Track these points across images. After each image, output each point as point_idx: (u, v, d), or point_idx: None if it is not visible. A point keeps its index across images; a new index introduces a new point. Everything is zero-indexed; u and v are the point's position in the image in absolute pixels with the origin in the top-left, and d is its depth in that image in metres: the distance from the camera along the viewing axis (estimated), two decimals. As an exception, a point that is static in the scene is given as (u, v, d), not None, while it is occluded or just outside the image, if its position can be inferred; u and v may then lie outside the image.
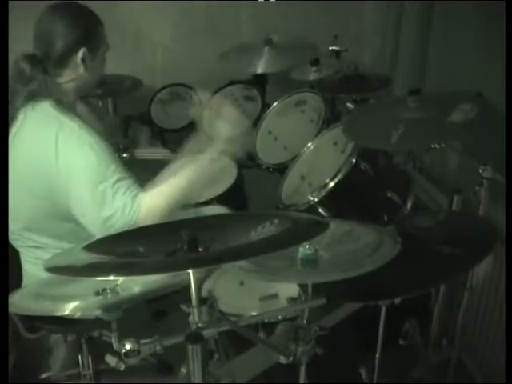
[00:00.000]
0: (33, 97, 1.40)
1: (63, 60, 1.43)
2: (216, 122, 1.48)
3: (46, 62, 1.42)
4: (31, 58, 1.41)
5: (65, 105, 1.43)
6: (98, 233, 1.32)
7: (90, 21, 1.46)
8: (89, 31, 1.44)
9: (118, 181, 1.34)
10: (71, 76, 1.45)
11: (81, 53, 1.42)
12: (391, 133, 1.49)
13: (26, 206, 1.44)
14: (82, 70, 1.45)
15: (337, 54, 2.50)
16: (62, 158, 1.34)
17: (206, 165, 1.44)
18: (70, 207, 1.37)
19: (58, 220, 1.44)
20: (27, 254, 1.56)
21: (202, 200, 1.93)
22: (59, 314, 1.06)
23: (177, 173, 1.41)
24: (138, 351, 0.98)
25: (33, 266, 1.54)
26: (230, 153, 1.51)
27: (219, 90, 2.47)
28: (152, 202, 1.35)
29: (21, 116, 1.41)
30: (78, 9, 1.46)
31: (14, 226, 1.46)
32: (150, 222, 1.31)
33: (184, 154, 1.49)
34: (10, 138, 1.41)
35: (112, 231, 1.29)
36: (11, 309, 1.11)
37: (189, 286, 0.99)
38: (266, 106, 2.37)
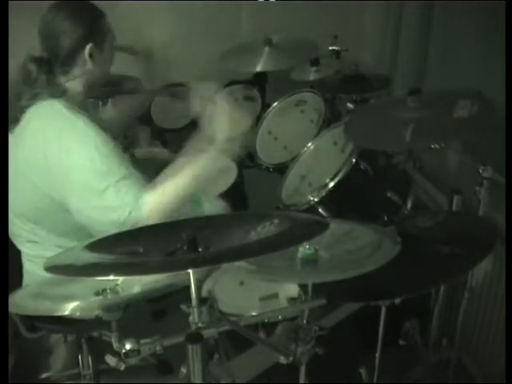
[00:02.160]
0: (39, 97, 1.40)
1: (71, 58, 1.43)
2: (216, 122, 1.49)
3: (54, 61, 1.43)
4: (39, 60, 1.42)
5: (73, 103, 1.44)
6: (98, 231, 1.32)
7: (94, 15, 1.46)
8: (93, 26, 1.44)
9: (121, 179, 1.34)
10: (79, 73, 1.45)
11: (88, 49, 1.43)
12: (399, 133, 1.49)
13: (27, 198, 1.44)
14: (90, 65, 1.45)
15: (337, 53, 2.50)
16: (65, 153, 1.34)
17: (207, 163, 1.45)
18: (69, 202, 1.36)
19: (58, 214, 1.43)
20: (27, 252, 1.56)
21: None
22: (59, 313, 1.06)
23: (178, 172, 1.41)
24: (138, 351, 0.98)
25: (33, 264, 1.55)
26: (229, 152, 1.51)
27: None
28: (155, 201, 1.35)
29: (26, 115, 1.41)
30: (79, 5, 1.46)
31: (16, 218, 1.48)
32: (152, 221, 1.31)
33: (185, 153, 1.49)
34: (15, 135, 1.42)
35: (113, 230, 1.28)
36: (11, 308, 1.11)
37: (189, 286, 0.99)
38: (265, 105, 2.37)
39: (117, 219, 1.32)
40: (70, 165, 1.34)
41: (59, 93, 1.42)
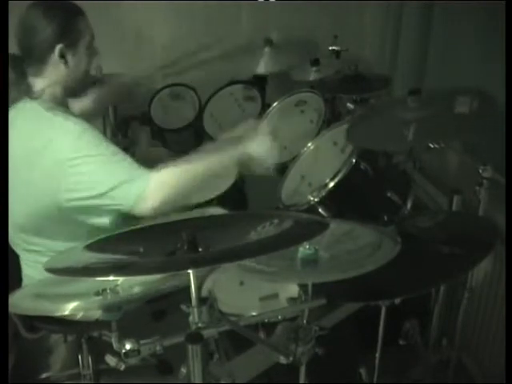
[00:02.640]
0: (17, 98, 1.39)
1: (42, 58, 1.41)
2: (255, 140, 1.51)
3: (27, 61, 1.41)
4: (12, 59, 1.40)
5: (53, 102, 1.43)
6: (99, 210, 1.36)
7: (67, 15, 1.42)
8: (64, 27, 1.40)
9: (116, 154, 1.37)
10: (54, 74, 1.43)
11: (57, 49, 1.40)
12: (400, 133, 1.49)
13: (21, 206, 1.43)
14: (62, 66, 1.42)
15: (337, 53, 2.50)
16: (51, 149, 1.34)
17: (225, 161, 1.47)
18: (70, 190, 1.35)
19: (53, 220, 1.43)
20: (26, 258, 1.56)
21: (202, 200, 1.93)
22: (59, 314, 1.06)
23: (197, 159, 1.43)
24: (138, 351, 0.98)
25: (32, 269, 1.54)
26: (244, 166, 1.52)
27: (219, 90, 2.47)
28: (163, 179, 1.36)
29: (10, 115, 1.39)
30: (53, 4, 1.42)
31: (11, 228, 1.46)
32: (157, 199, 1.33)
33: (213, 146, 1.53)
34: None
35: (115, 204, 1.32)
36: (11, 309, 1.11)
37: (189, 286, 0.99)
38: (266, 105, 2.37)
39: (117, 192, 1.33)
40: (59, 158, 1.34)
41: (34, 93, 1.41)
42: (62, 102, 1.49)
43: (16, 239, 1.52)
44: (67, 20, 1.41)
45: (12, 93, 1.39)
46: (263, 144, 1.51)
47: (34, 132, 1.38)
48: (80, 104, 1.77)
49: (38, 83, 1.43)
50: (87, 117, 1.59)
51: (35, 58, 1.41)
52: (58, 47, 1.40)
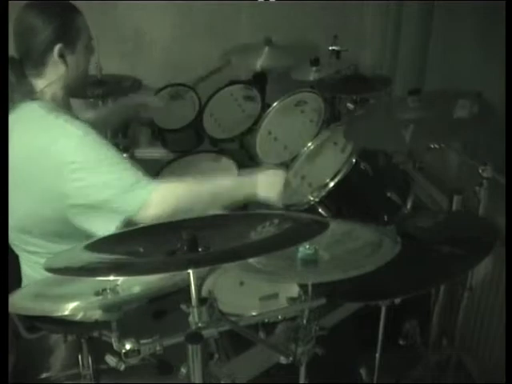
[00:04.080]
0: (18, 100, 1.38)
1: (41, 59, 1.40)
2: (267, 179, 1.55)
3: (26, 62, 1.40)
4: (10, 62, 1.39)
5: (54, 103, 1.42)
6: (101, 216, 1.35)
7: (64, 15, 1.41)
8: (62, 26, 1.39)
9: (119, 160, 1.37)
10: (54, 74, 1.42)
11: (57, 49, 1.39)
12: (399, 133, 1.49)
13: (22, 207, 1.41)
14: (62, 66, 1.41)
15: (337, 54, 2.50)
16: (52, 151, 1.33)
17: (232, 188, 1.51)
18: (70, 195, 1.34)
19: (53, 222, 1.42)
20: (26, 259, 1.56)
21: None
22: (59, 314, 1.06)
23: (202, 180, 1.47)
24: (138, 351, 0.98)
25: (32, 269, 1.55)
26: (250, 198, 1.53)
27: (219, 90, 2.47)
28: (167, 191, 1.39)
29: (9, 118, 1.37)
30: (48, 5, 1.41)
31: (11, 229, 1.45)
32: (159, 208, 1.35)
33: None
34: None
35: (118, 210, 1.32)
36: (11, 309, 1.11)
37: (189, 286, 0.99)
38: (266, 105, 2.37)
39: (116, 198, 1.33)
40: (59, 161, 1.32)
41: (34, 94, 1.40)
42: (63, 103, 1.49)
43: (16, 240, 1.51)
44: (64, 19, 1.41)
45: (13, 94, 1.37)
46: (274, 186, 1.54)
47: (36, 134, 1.37)
48: (86, 116, 1.76)
49: (39, 84, 1.42)
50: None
51: (34, 59, 1.40)
52: (57, 47, 1.39)
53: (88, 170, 1.34)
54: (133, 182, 1.35)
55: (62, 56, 1.40)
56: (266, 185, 1.53)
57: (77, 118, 1.45)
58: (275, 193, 1.54)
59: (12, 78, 1.38)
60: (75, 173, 1.33)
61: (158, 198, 1.36)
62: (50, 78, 1.42)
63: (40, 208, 1.39)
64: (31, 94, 1.40)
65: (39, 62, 1.41)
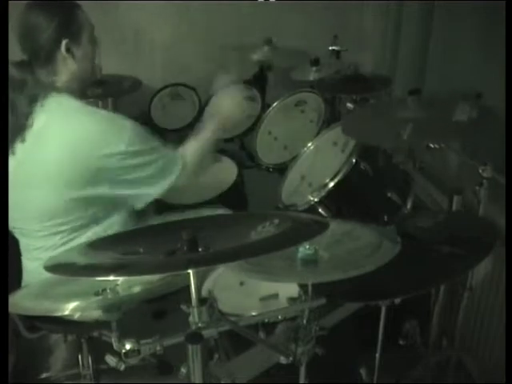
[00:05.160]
0: (41, 96, 1.39)
1: (50, 56, 1.42)
2: (219, 101, 1.77)
3: (35, 63, 1.42)
4: (20, 64, 1.41)
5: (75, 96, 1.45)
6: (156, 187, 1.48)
7: (64, 10, 1.43)
8: (65, 20, 1.42)
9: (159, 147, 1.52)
10: (65, 69, 1.44)
11: (64, 44, 1.41)
12: (397, 130, 1.49)
13: (50, 199, 1.43)
14: (71, 60, 1.44)
15: (337, 54, 2.50)
16: (104, 142, 1.38)
17: (210, 135, 1.65)
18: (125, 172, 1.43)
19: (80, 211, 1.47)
20: (29, 253, 1.56)
21: (202, 200, 1.93)
22: (59, 313, 1.06)
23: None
24: (138, 351, 0.98)
25: (32, 264, 1.55)
26: (224, 128, 1.70)
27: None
28: (188, 151, 1.58)
29: (40, 117, 1.38)
30: (48, 3, 1.43)
31: (32, 220, 1.48)
32: (190, 165, 1.55)
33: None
34: (31, 141, 1.38)
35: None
36: (11, 309, 1.11)
37: (189, 286, 0.99)
38: (266, 105, 2.37)
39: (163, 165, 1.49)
40: (111, 152, 1.39)
41: (56, 89, 1.42)
42: (80, 97, 1.50)
43: (29, 228, 1.51)
44: (67, 14, 1.43)
45: (33, 91, 1.39)
46: (234, 101, 1.74)
47: (77, 124, 1.40)
48: None
49: (52, 82, 1.44)
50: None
51: (43, 57, 1.42)
52: (64, 42, 1.42)
53: (141, 158, 1.44)
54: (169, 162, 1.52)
55: (69, 51, 1.43)
56: (227, 103, 1.73)
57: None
58: (238, 108, 1.74)
59: (26, 78, 1.40)
60: (126, 160, 1.41)
61: (186, 158, 1.55)
62: (62, 74, 1.45)
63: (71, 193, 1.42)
64: (55, 89, 1.42)
65: (48, 60, 1.42)
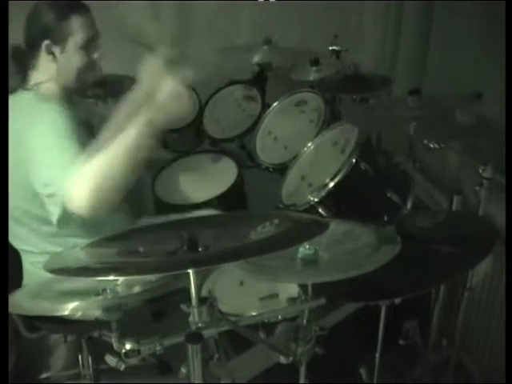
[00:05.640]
0: (16, 89, 1.45)
1: (34, 52, 1.47)
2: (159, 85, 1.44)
3: (27, 54, 1.48)
4: (13, 49, 1.47)
5: (50, 94, 1.46)
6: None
7: (55, 14, 1.45)
8: (51, 25, 1.45)
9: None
10: (45, 68, 1.47)
11: (44, 45, 1.45)
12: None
13: (16, 199, 1.43)
14: (51, 63, 1.47)
15: (337, 54, 2.50)
16: (29, 135, 1.35)
17: (135, 135, 1.31)
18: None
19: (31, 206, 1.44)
20: (26, 256, 1.56)
21: (201, 200, 1.93)
22: (59, 314, 1.06)
23: (104, 148, 1.28)
24: (138, 351, 0.98)
25: (32, 266, 1.55)
26: (159, 122, 1.37)
27: (219, 89, 2.47)
28: (80, 182, 1.24)
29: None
30: (48, 4, 1.47)
31: (11, 222, 1.47)
32: (82, 199, 1.23)
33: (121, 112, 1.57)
34: None
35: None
36: (11, 309, 1.11)
37: (189, 286, 0.99)
38: (266, 105, 2.37)
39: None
40: (32, 146, 1.34)
41: (29, 84, 1.46)
42: (61, 98, 1.50)
43: (14, 234, 1.52)
44: (55, 18, 1.45)
45: (11, 81, 1.44)
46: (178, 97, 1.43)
47: (21, 118, 1.40)
48: None
49: (33, 76, 1.49)
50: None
51: (31, 51, 1.47)
52: (45, 43, 1.45)
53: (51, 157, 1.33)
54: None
55: (50, 52, 1.46)
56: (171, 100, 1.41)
57: (69, 109, 1.47)
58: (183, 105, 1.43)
59: (15, 65, 1.46)
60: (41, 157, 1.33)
61: (77, 190, 1.24)
62: (42, 72, 1.48)
63: (19, 190, 1.41)
64: (26, 84, 1.47)
65: (33, 55, 1.48)
